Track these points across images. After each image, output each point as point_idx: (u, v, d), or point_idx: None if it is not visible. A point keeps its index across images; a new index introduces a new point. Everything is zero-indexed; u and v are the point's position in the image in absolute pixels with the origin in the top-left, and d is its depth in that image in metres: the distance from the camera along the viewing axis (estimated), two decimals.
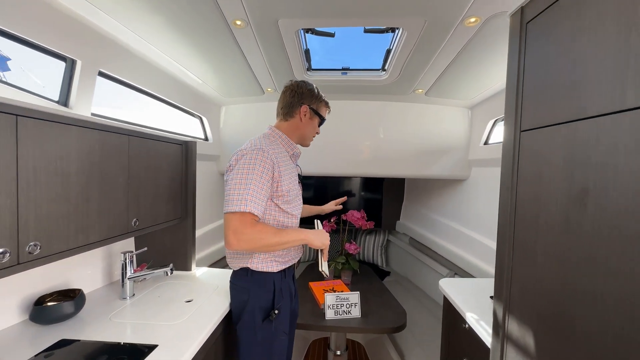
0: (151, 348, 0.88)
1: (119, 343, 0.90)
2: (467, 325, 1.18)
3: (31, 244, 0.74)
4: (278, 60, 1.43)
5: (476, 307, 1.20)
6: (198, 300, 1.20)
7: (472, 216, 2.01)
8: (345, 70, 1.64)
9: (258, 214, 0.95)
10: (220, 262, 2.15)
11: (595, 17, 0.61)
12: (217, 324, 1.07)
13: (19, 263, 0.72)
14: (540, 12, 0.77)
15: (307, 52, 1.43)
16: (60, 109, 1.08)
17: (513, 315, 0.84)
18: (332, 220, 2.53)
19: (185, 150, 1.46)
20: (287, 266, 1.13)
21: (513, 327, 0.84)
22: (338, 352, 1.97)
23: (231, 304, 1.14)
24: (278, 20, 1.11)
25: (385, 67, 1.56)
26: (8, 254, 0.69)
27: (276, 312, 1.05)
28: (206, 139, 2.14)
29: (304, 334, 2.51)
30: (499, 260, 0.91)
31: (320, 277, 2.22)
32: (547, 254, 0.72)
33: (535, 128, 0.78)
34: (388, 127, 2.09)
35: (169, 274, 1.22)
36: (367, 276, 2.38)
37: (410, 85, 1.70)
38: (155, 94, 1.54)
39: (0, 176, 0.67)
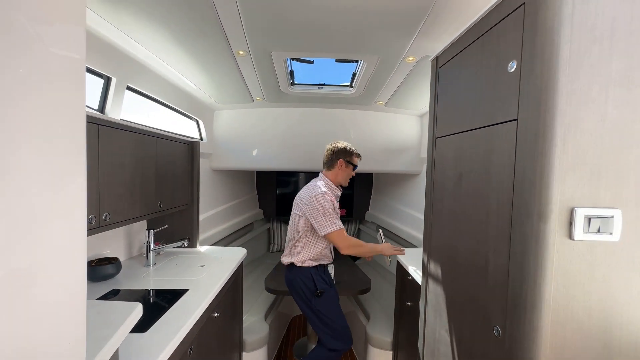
0: (184, 291, 1.22)
1: (160, 289, 1.24)
2: (410, 277, 1.63)
3: (105, 213, 1.06)
4: (268, 78, 1.80)
5: (417, 264, 1.66)
6: (209, 266, 1.55)
7: (424, 203, 2.50)
8: (321, 85, 2.04)
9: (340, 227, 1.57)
10: (218, 243, 2.47)
11: (467, 69, 1.05)
12: (228, 278, 1.43)
13: (100, 226, 1.04)
14: (446, 62, 1.22)
15: (291, 72, 1.82)
16: (106, 117, 1.38)
17: (431, 257, 1.29)
18: None
19: (191, 148, 1.79)
20: (319, 264, 1.69)
21: (430, 265, 1.29)
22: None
23: (291, 288, 1.71)
24: (271, 52, 1.49)
25: (353, 85, 1.98)
26: (95, 219, 1.01)
27: (319, 292, 1.62)
28: (201, 139, 2.45)
29: (286, 311, 2.89)
30: (425, 222, 1.35)
31: None
32: (446, 212, 1.17)
33: (442, 136, 1.22)
34: (357, 130, 2.53)
35: (185, 245, 1.55)
36: (340, 257, 2.80)
37: (373, 98, 2.14)
38: (166, 102, 1.85)
39: (91, 167, 1.00)
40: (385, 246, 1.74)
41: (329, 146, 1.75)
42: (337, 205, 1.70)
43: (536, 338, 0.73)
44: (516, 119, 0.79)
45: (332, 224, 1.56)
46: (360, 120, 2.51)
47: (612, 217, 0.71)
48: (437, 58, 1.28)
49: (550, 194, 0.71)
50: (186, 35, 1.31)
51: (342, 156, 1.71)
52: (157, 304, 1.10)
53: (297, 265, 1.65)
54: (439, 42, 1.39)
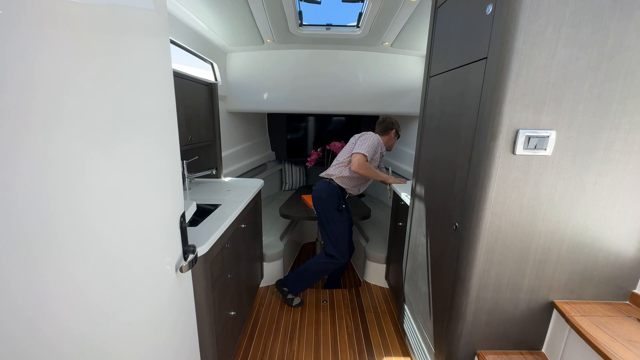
0: (218, 205, 1.55)
1: (199, 204, 1.57)
2: (402, 202, 1.93)
3: None
4: (278, 18, 1.88)
5: (409, 193, 1.94)
6: (234, 190, 1.87)
7: None
8: (328, 26, 2.10)
9: (369, 158, 1.94)
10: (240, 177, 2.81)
11: (459, 10, 1.16)
12: (250, 199, 1.75)
13: None
14: (444, 2, 1.31)
15: (300, 13, 1.88)
16: None
17: (417, 182, 1.55)
18: (318, 150, 3.18)
19: (210, 89, 1.98)
20: (346, 188, 2.11)
21: (417, 188, 1.56)
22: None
23: (318, 199, 2.06)
24: None
25: (359, 25, 2.04)
26: None
27: (342, 207, 2.01)
28: (216, 80, 2.60)
29: (297, 239, 3.33)
30: (415, 154, 1.58)
31: (308, 192, 2.95)
32: (431, 142, 1.39)
33: (433, 75, 1.38)
34: (364, 72, 2.62)
35: (213, 174, 1.85)
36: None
37: (379, 38, 2.20)
38: (182, 45, 1.98)
39: None
40: (389, 176, 2.15)
41: (384, 117, 2.19)
42: (378, 156, 2.08)
43: (478, 226, 1.01)
44: (486, 58, 0.95)
45: (364, 149, 1.93)
46: (368, 62, 2.58)
47: (548, 136, 0.92)
48: None
49: (500, 119, 0.91)
50: None
51: (396, 127, 2.18)
52: (200, 212, 1.44)
53: (335, 179, 2.07)
54: None
